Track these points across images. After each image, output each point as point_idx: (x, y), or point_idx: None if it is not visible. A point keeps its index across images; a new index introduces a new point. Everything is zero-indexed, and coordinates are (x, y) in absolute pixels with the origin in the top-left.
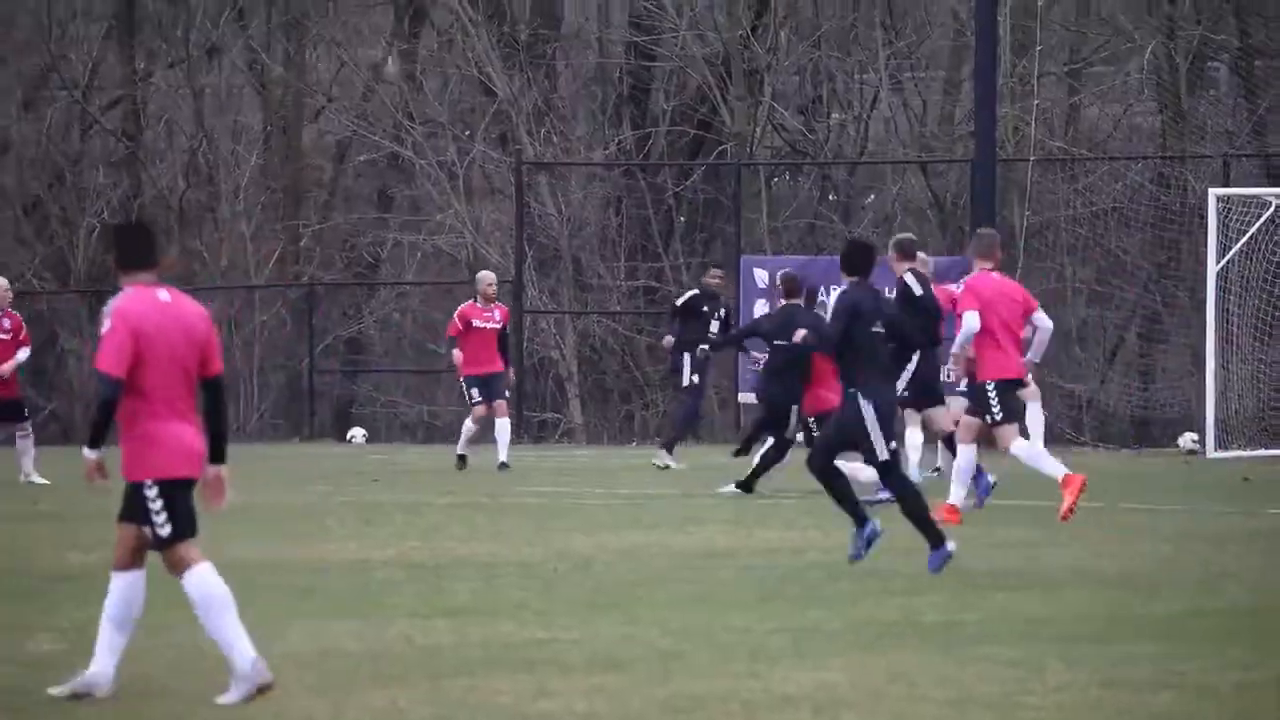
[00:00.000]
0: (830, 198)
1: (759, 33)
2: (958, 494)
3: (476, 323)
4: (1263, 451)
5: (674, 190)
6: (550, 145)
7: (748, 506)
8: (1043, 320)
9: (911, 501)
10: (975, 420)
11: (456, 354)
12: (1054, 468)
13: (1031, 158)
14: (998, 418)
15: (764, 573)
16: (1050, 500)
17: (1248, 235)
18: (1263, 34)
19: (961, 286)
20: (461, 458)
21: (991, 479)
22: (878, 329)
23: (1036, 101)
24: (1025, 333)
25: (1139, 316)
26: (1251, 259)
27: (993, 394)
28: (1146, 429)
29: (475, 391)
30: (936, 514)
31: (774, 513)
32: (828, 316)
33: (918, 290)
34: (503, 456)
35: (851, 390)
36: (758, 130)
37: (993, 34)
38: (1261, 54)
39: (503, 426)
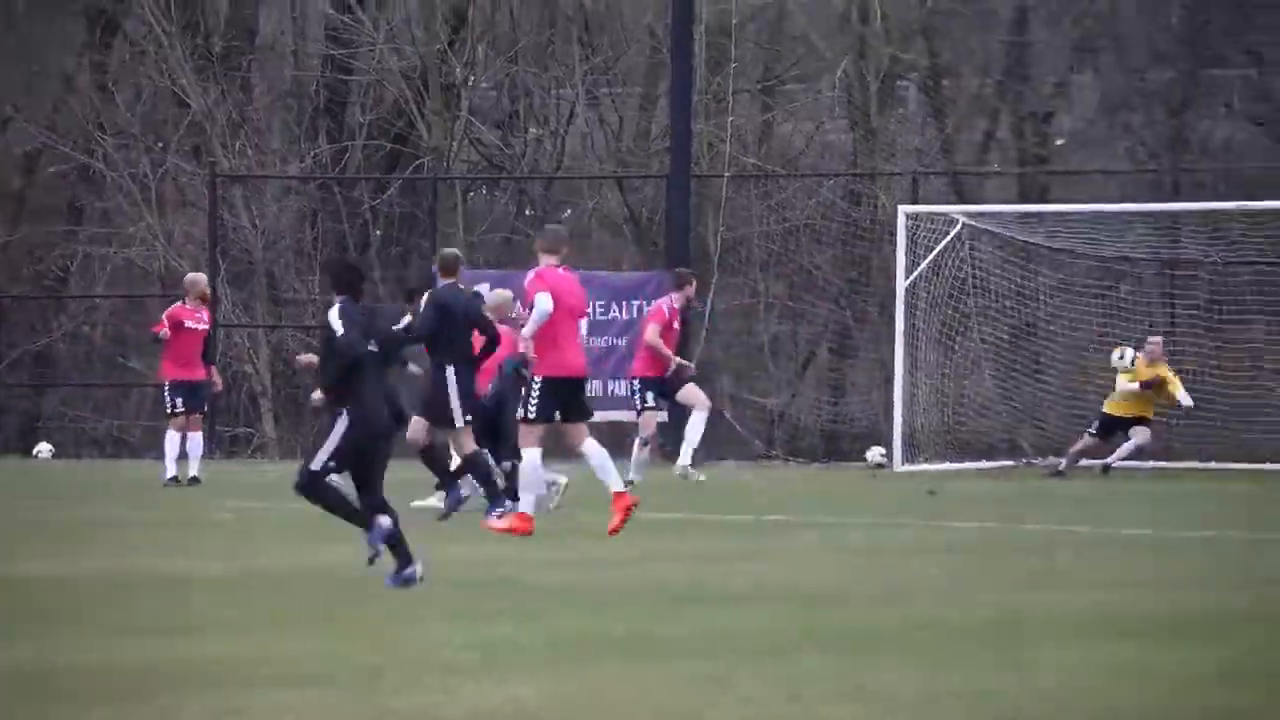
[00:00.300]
0: (527, 212)
1: (456, 47)
2: (527, 501)
3: (188, 323)
4: (948, 465)
5: (370, 204)
6: (245, 158)
7: (437, 521)
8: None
9: (331, 502)
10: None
11: (165, 332)
12: (615, 482)
13: (726, 174)
14: (531, 415)
15: (455, 587)
16: (747, 514)
17: (935, 252)
18: (950, 55)
19: (531, 276)
20: (174, 479)
21: (464, 493)
22: (373, 348)
23: (731, 118)
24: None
25: (830, 331)
26: (939, 275)
27: (537, 390)
28: (836, 443)
29: (179, 400)
30: (509, 521)
31: (466, 527)
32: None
33: (451, 301)
34: (194, 471)
35: (339, 407)
36: (454, 144)
37: (688, 51)
38: (949, 74)
39: (195, 441)
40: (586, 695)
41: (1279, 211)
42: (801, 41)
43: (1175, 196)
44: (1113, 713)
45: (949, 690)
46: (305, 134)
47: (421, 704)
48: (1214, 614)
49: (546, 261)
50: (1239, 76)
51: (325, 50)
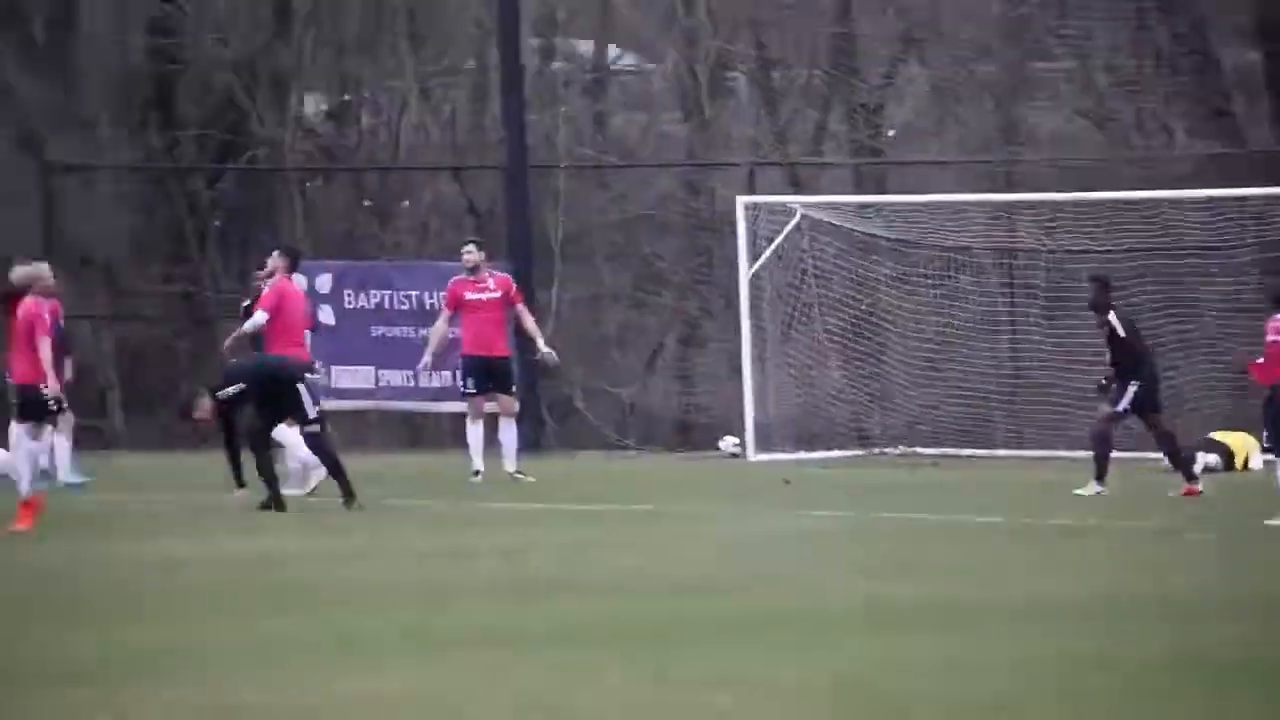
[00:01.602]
0: (365, 204)
1: (286, 38)
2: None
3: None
4: (802, 454)
5: (208, 195)
6: (76, 148)
7: None
8: None
9: None
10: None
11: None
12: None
13: (562, 165)
14: None
15: (310, 575)
16: (594, 505)
17: (776, 242)
18: (778, 47)
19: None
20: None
21: None
22: None
23: (564, 109)
24: None
25: (678, 322)
26: (782, 265)
27: None
28: (689, 433)
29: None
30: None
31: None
32: None
33: None
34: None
35: None
36: (287, 136)
37: (517, 43)
38: (778, 65)
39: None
40: (456, 685)
41: (1112, 202)
42: (629, 36)
43: (1009, 187)
44: (997, 695)
45: (818, 678)
46: (137, 124)
47: (278, 693)
48: (1076, 600)
49: None
50: (1062, 70)
51: (150, 41)
